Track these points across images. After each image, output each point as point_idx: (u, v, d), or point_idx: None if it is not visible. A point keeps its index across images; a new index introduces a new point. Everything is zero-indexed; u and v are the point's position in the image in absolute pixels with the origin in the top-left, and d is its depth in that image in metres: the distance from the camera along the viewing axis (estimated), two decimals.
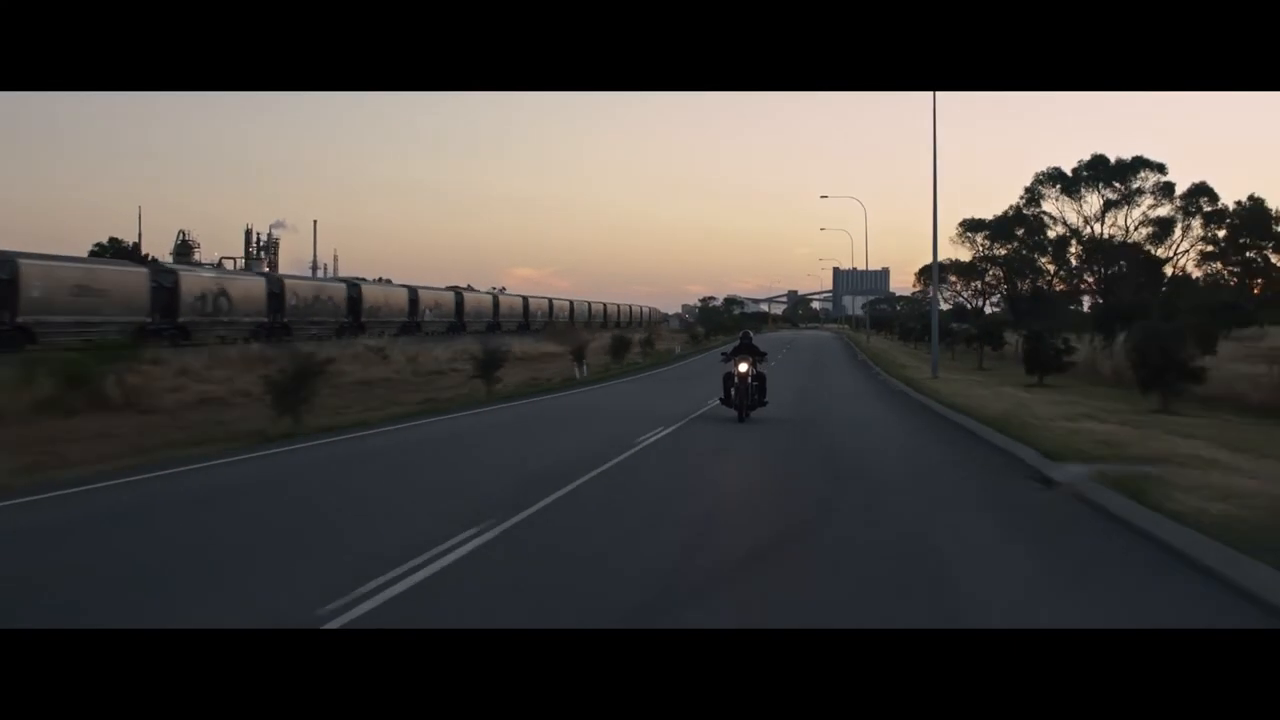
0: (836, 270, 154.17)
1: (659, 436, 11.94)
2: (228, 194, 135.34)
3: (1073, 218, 55.11)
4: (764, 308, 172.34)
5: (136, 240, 73.91)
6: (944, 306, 64.62)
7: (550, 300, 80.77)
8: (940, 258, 60.97)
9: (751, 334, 16.47)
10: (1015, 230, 57.83)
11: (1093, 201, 54.52)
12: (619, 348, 35.15)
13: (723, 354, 15.99)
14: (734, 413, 14.56)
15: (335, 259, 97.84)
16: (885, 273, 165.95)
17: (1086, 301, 55.71)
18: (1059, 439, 10.42)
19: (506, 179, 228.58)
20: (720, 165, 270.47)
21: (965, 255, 61.29)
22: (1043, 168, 57.54)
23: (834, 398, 19.77)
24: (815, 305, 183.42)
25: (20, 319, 24.91)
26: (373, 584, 4.88)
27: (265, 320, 34.98)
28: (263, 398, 19.10)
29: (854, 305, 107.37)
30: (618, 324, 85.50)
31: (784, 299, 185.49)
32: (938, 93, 23.71)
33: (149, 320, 28.09)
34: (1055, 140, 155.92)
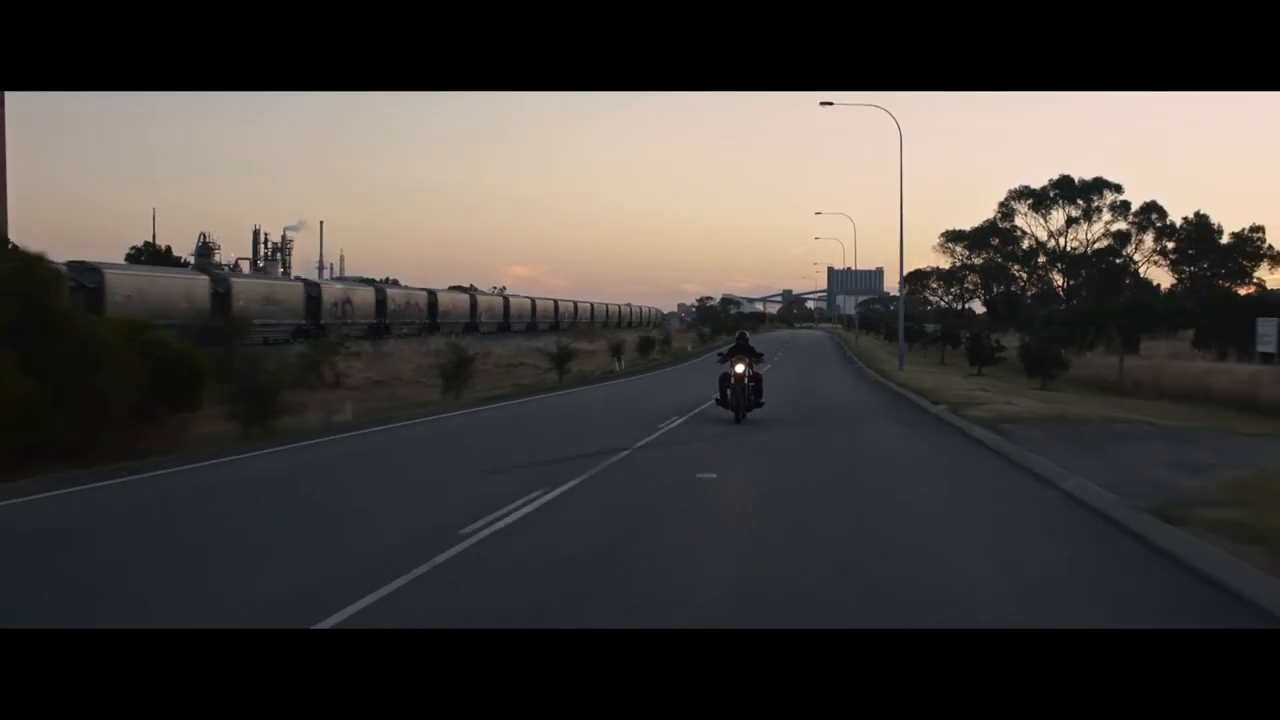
0: (831, 270, 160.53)
1: (710, 402, 19.80)
2: (226, 194, 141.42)
3: (1040, 232, 63.61)
4: (759, 307, 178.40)
5: (166, 245, 79.77)
6: (935, 305, 73.02)
7: (556, 301, 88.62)
8: (923, 265, 68.91)
9: (748, 334, 17.40)
10: (991, 240, 66.17)
11: (1058, 216, 63.01)
12: (645, 346, 43.47)
13: (719, 354, 16.74)
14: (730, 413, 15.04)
15: (342, 259, 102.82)
16: (879, 273, 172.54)
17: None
18: (951, 399, 18.54)
19: (503, 177, 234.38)
20: (716, 165, 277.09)
21: (946, 263, 69.74)
22: (1022, 179, 65.91)
23: (822, 381, 27.97)
24: (810, 305, 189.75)
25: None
26: (583, 475, 10.15)
27: (374, 322, 43.37)
28: (414, 380, 27.55)
29: (848, 305, 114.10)
30: (630, 324, 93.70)
31: (779, 298, 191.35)
32: (902, 110, 31.66)
33: (304, 323, 36.40)
34: (1051, 139, 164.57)
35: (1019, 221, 64.14)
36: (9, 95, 62.96)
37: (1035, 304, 61.22)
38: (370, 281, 63.23)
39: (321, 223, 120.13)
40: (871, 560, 6.05)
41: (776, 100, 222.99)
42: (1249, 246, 62.37)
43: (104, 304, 32.15)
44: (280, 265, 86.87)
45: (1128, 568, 5.87)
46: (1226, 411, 16.87)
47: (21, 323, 11.19)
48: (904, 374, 29.08)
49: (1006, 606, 5.06)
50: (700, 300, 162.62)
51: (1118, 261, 62.46)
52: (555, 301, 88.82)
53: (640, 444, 11.87)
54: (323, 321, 45.72)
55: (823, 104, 31.86)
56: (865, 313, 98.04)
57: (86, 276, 32.19)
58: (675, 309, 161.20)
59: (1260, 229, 63.02)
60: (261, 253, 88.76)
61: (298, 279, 57.02)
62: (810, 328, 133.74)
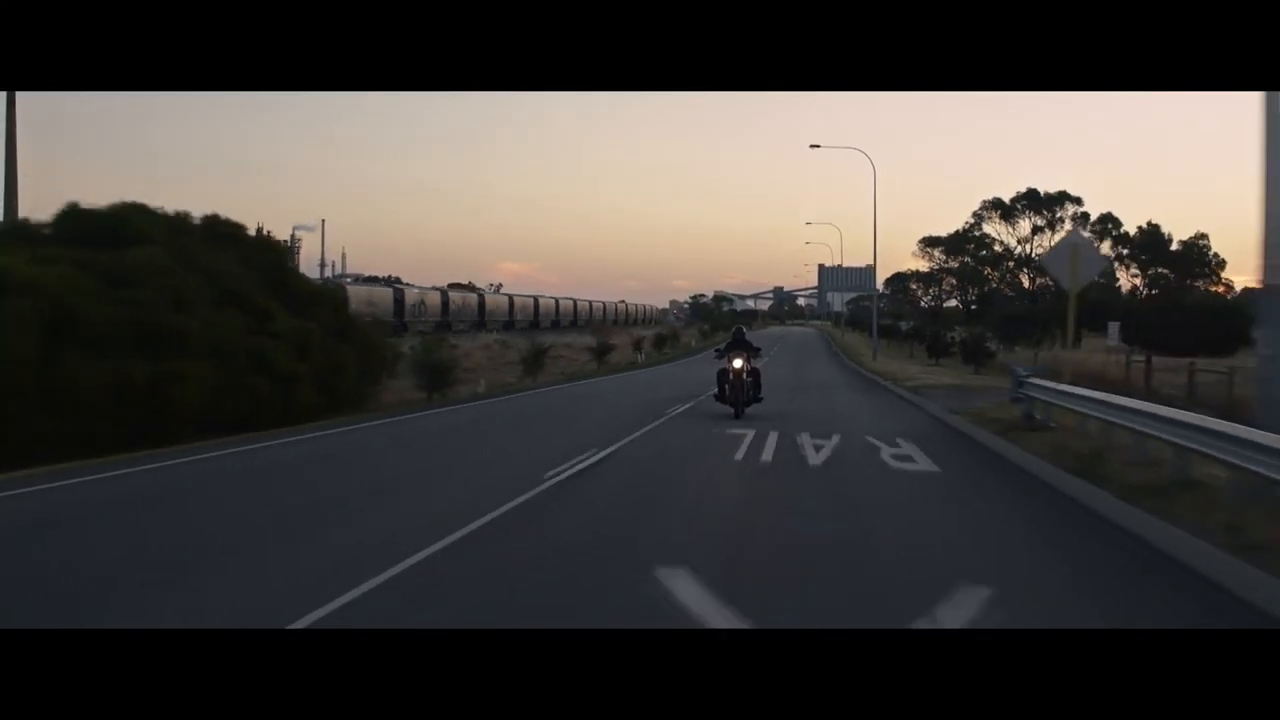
0: (822, 267, 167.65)
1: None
2: (223, 193, 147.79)
3: (1010, 239, 72.51)
4: (751, 304, 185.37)
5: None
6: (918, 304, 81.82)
7: (557, 300, 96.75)
8: (903, 268, 77.60)
9: (745, 329, 18.46)
10: (966, 246, 74.96)
11: (1025, 225, 71.89)
12: (659, 342, 52.19)
13: (716, 350, 17.61)
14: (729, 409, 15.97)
15: (344, 256, 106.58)
16: (870, 270, 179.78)
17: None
18: (900, 378, 27.23)
19: (496, 175, 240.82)
20: (706, 162, 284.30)
21: (925, 266, 78.58)
22: (1018, 177, 74.70)
23: (810, 369, 36.64)
24: (801, 302, 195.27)
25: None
26: (641, 429, 21.06)
27: (438, 320, 52.15)
28: (489, 366, 36.09)
29: (839, 302, 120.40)
30: (630, 321, 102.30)
31: (770, 295, 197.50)
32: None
33: (394, 321, 45.15)
34: (1050, 139, 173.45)
35: (990, 229, 73.08)
36: (19, 95, 65.29)
37: (1004, 304, 69.98)
38: (386, 281, 70.79)
39: (323, 221, 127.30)
40: (836, 420, 14.68)
41: (767, 98, 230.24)
42: (1193, 253, 71.45)
43: (405, 310, 40.02)
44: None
45: (925, 422, 14.54)
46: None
47: (338, 325, 19.66)
48: (875, 363, 37.88)
49: (869, 421, 13.76)
50: (694, 298, 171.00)
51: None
52: (556, 300, 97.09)
53: (685, 408, 19.02)
54: (405, 320, 52.76)
55: (812, 146, 40.50)
56: (855, 310, 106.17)
57: None
58: (667, 305, 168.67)
59: (1204, 236, 72.27)
60: None
61: (388, 283, 64.16)
62: (801, 325, 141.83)
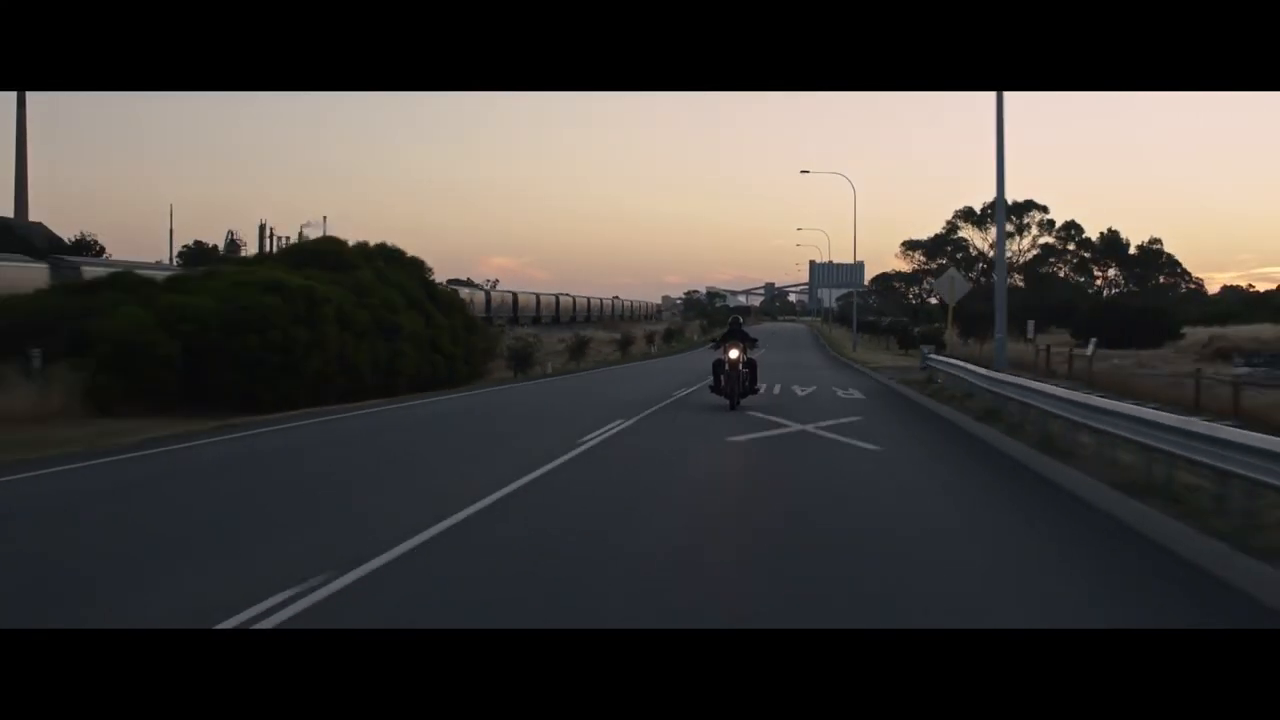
0: (813, 264, 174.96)
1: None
2: (216, 190, 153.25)
3: (982, 244, 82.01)
4: (742, 300, 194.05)
5: (214, 243, 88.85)
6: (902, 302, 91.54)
7: (557, 297, 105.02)
8: (887, 269, 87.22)
9: (741, 319, 19.48)
10: (944, 249, 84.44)
11: (994, 232, 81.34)
12: (669, 335, 61.62)
13: (713, 341, 18.74)
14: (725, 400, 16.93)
15: None
16: (861, 266, 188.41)
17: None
18: (868, 362, 36.70)
19: (484, 169, 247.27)
20: (696, 157, 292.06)
21: (907, 267, 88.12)
22: (961, 204, 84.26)
23: (799, 356, 46.17)
24: (792, 298, 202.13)
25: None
26: (654, 405, 30.37)
27: (482, 315, 61.11)
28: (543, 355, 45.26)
29: (830, 298, 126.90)
30: (629, 317, 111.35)
31: (761, 291, 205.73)
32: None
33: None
34: (1043, 137, 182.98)
35: (963, 234, 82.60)
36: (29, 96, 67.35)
37: (979, 302, 79.37)
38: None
39: (325, 218, 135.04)
40: (815, 381, 24.07)
41: (759, 95, 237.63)
42: (1149, 255, 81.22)
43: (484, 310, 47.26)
44: None
45: (870, 383, 24.01)
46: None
47: (466, 322, 28.92)
48: (853, 353, 47.41)
49: (836, 382, 23.27)
50: (687, 294, 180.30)
51: (1044, 270, 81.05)
52: (557, 297, 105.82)
53: (696, 387, 28.76)
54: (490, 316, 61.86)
55: (802, 172, 49.80)
56: (844, 306, 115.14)
57: None
58: (660, 301, 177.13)
59: (1159, 240, 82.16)
60: (270, 248, 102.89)
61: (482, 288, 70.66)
62: (792, 321, 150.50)
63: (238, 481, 9.51)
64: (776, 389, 22.05)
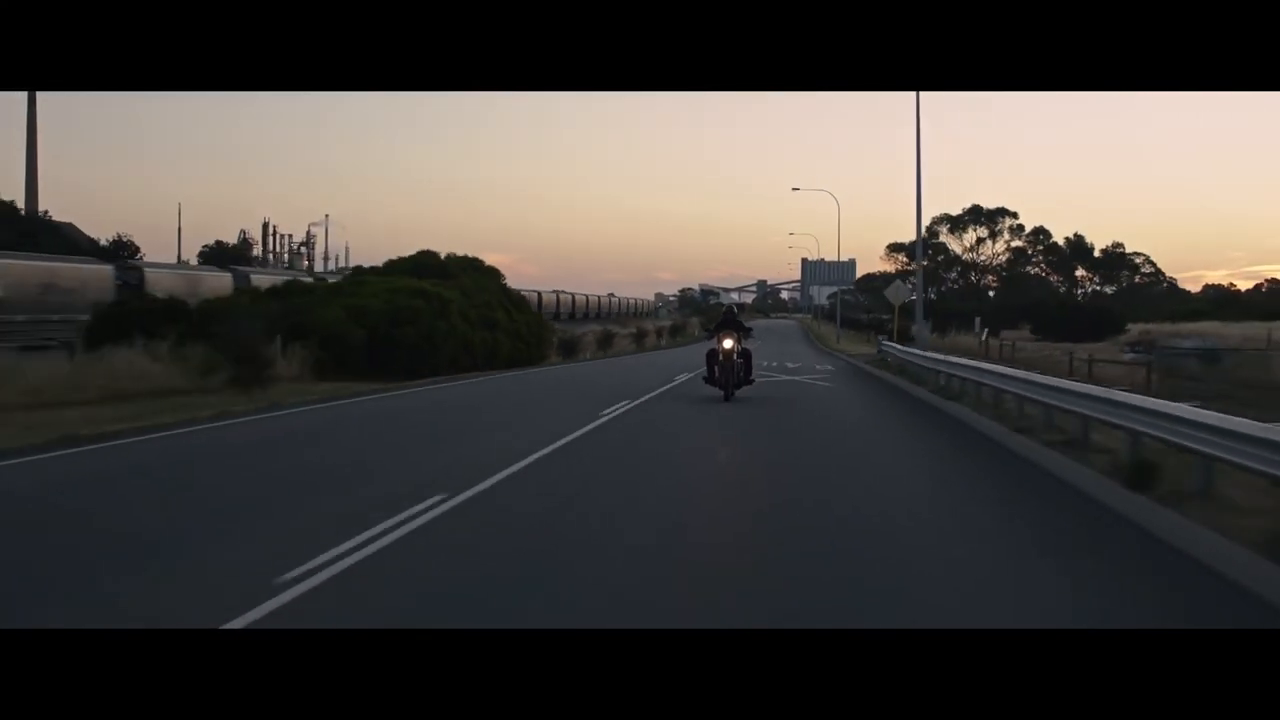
0: (805, 261, 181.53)
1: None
2: (221, 188, 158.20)
3: (958, 247, 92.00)
4: (735, 297, 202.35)
5: (233, 242, 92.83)
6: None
7: (557, 294, 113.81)
8: (873, 269, 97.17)
9: (735, 308, 19.99)
10: (925, 251, 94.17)
11: (971, 236, 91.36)
12: (675, 331, 71.29)
13: (706, 330, 24.65)
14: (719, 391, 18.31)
15: (347, 251, 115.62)
16: (852, 264, 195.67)
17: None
18: (846, 351, 46.44)
19: (476, 165, 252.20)
20: (689, 154, 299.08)
21: (892, 268, 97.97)
22: (1001, 173, 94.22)
23: (789, 347, 55.98)
24: (784, 296, 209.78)
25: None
26: (684, 376, 39.99)
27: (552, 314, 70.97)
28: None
29: (821, 295, 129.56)
30: (630, 314, 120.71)
31: (753, 288, 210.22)
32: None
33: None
34: (1038, 137, 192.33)
35: (942, 239, 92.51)
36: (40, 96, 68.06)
37: (957, 301, 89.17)
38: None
39: (327, 216, 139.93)
40: (800, 362, 33.82)
41: (752, 94, 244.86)
42: (1111, 258, 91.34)
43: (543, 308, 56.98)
44: (306, 259, 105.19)
45: (841, 363, 33.82)
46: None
47: (534, 317, 38.50)
48: (836, 345, 57.25)
49: (816, 362, 33.10)
50: (682, 291, 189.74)
51: (1017, 272, 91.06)
52: (557, 294, 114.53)
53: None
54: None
55: (794, 189, 59.43)
56: (834, 304, 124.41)
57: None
58: (653, 298, 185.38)
59: (1121, 244, 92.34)
60: (272, 246, 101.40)
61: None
62: (784, 318, 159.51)
63: (419, 416, 16.39)
64: (774, 364, 31.74)
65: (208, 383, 19.81)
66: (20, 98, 72.86)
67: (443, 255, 37.42)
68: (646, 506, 8.63)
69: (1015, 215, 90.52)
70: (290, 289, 31.82)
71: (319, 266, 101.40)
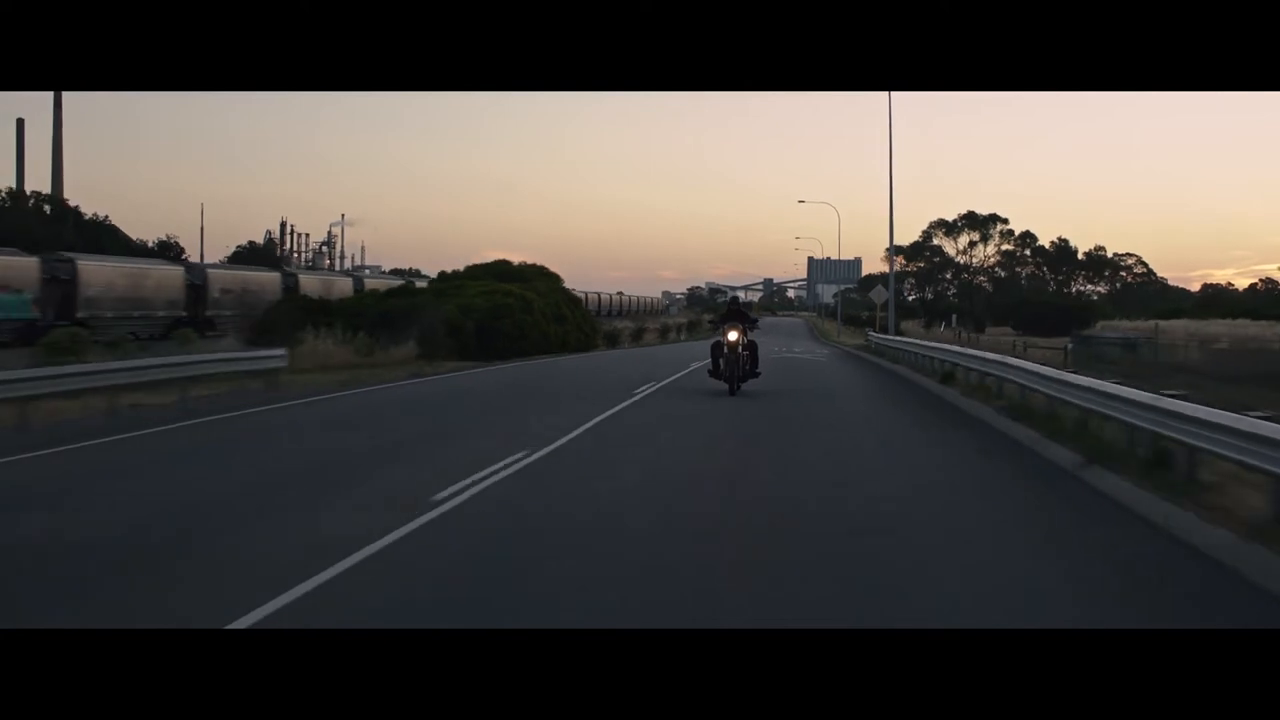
0: (811, 260, 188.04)
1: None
2: (235, 188, 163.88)
3: (951, 250, 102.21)
4: (741, 295, 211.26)
5: (256, 242, 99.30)
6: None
7: (585, 294, 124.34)
8: (874, 270, 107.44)
9: (740, 297, 25.44)
10: (923, 253, 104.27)
11: (965, 239, 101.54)
12: (691, 326, 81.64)
13: (711, 321, 21.48)
14: (724, 385, 18.96)
15: (363, 250, 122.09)
16: (858, 262, 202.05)
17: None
18: (845, 343, 56.82)
19: (481, 162, 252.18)
20: (693, 151, 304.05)
21: (888, 269, 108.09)
22: (996, 173, 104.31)
23: (794, 341, 66.33)
24: (790, 294, 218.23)
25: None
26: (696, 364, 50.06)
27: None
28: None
29: (827, 294, 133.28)
30: (644, 311, 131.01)
31: (760, 287, 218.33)
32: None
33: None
34: (1038, 137, 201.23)
35: (937, 242, 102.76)
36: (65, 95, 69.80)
37: (951, 300, 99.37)
38: (409, 273, 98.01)
39: (343, 216, 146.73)
40: (804, 346, 44.17)
41: (756, 94, 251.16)
42: (1094, 261, 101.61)
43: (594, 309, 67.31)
44: (327, 259, 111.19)
45: (836, 350, 44.20)
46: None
47: (586, 314, 48.73)
48: (837, 339, 67.66)
49: (815, 348, 43.54)
50: (690, 289, 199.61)
51: (1004, 273, 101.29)
52: (584, 294, 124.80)
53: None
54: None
55: (799, 201, 69.67)
56: (842, 301, 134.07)
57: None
58: (660, 295, 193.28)
59: (1103, 247, 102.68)
60: (290, 245, 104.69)
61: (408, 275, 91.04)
62: (791, 315, 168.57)
63: (516, 387, 24.13)
64: (783, 350, 42.11)
65: (374, 359, 29.89)
66: (26, 97, 75.56)
67: (515, 263, 47.67)
68: (693, 425, 18.62)
69: (1006, 221, 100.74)
70: (401, 291, 42.13)
71: (338, 266, 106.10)
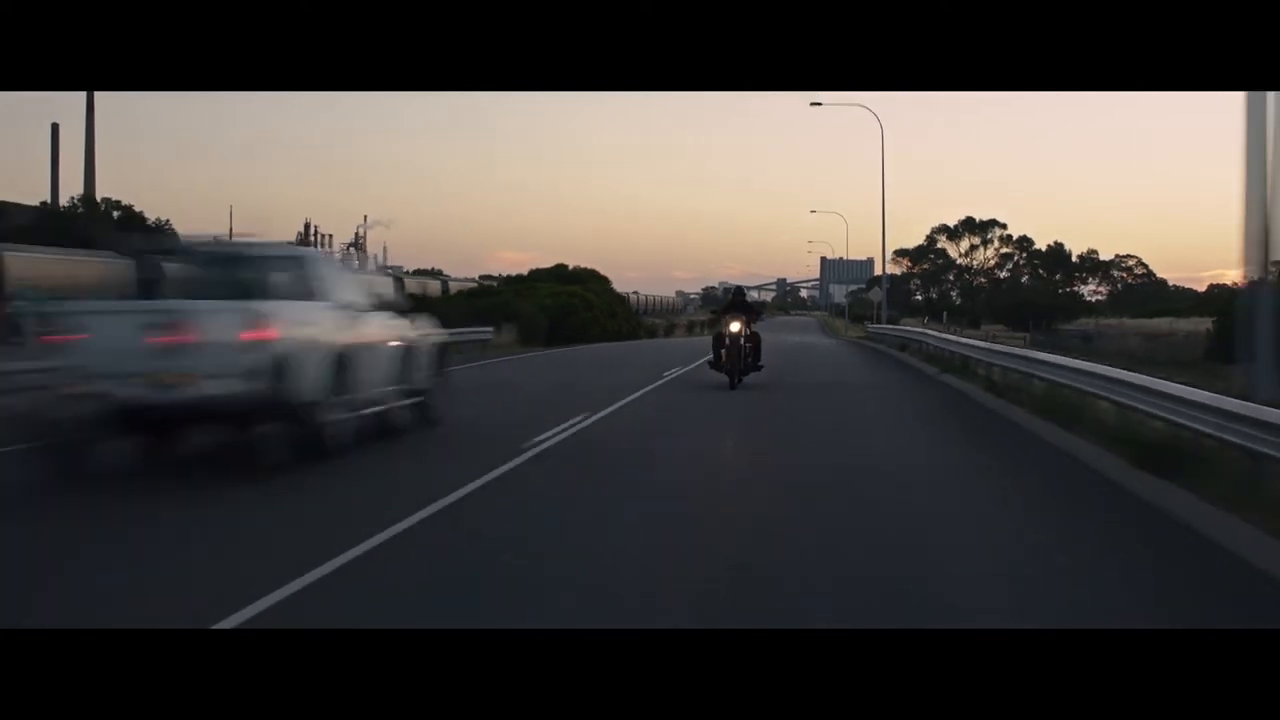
0: (824, 260, 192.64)
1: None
2: (255, 188, 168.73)
3: (954, 253, 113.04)
4: (755, 295, 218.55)
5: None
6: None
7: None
8: (879, 273, 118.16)
9: (744, 288, 22.54)
10: (928, 256, 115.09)
11: (965, 243, 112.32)
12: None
13: (713, 311, 22.20)
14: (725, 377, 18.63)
15: (385, 250, 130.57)
16: (870, 262, 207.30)
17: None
18: (852, 336, 67.94)
19: (493, 163, 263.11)
20: (705, 151, 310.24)
21: (898, 270, 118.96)
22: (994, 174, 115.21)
23: (806, 335, 77.48)
24: (804, 294, 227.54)
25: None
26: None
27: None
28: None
29: (840, 294, 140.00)
30: (669, 310, 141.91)
31: (773, 286, 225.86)
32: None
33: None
34: (1039, 137, 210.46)
35: (941, 245, 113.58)
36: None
37: (954, 301, 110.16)
38: (435, 274, 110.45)
39: (365, 217, 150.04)
40: (813, 336, 55.31)
41: (767, 93, 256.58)
42: (1087, 263, 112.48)
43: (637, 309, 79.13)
44: (355, 259, 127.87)
45: (841, 341, 55.48)
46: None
47: (620, 308, 59.92)
48: (844, 333, 78.77)
49: (823, 338, 54.81)
50: (705, 289, 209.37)
51: (1003, 274, 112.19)
52: None
53: None
54: None
55: (811, 212, 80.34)
56: (853, 301, 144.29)
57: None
58: (674, 295, 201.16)
59: (1095, 251, 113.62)
60: (318, 246, 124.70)
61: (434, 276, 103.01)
62: (804, 314, 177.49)
63: (616, 355, 39.24)
64: (797, 340, 53.22)
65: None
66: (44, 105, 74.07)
67: (570, 268, 58.72)
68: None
69: (1004, 225, 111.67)
70: (481, 291, 53.32)
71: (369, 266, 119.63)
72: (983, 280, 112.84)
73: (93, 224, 65.56)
